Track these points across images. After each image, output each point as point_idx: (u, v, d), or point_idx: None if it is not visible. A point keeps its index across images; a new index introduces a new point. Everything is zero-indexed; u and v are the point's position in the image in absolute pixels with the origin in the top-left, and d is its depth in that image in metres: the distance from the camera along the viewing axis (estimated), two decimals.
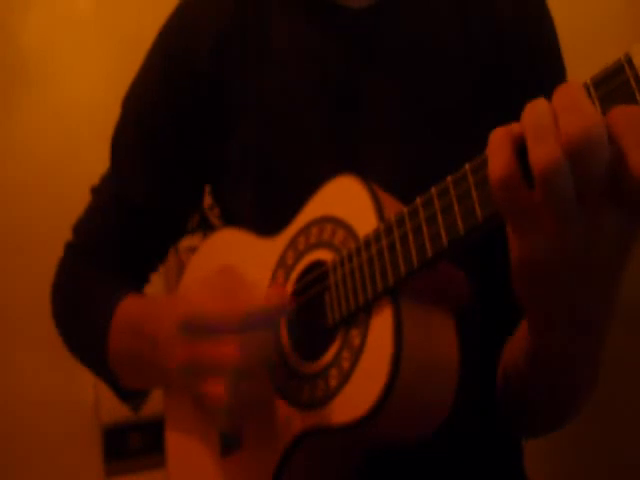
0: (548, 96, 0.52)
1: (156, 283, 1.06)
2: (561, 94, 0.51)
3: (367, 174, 0.73)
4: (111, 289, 0.91)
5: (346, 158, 0.83)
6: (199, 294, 0.73)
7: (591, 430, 1.33)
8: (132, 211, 0.95)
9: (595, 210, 0.51)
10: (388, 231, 0.66)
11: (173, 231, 1.01)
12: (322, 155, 0.85)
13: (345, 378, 0.67)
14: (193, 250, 0.93)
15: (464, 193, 0.59)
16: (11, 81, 2.13)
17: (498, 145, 0.53)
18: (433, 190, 0.62)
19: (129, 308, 0.87)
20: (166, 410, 0.90)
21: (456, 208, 0.60)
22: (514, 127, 0.53)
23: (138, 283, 1.00)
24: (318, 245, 0.75)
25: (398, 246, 0.65)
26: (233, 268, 0.77)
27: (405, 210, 0.65)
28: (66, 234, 1.00)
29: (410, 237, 0.64)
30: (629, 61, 0.50)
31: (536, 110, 0.51)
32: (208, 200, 1.02)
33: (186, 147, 0.92)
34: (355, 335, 0.67)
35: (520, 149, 0.52)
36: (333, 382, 0.68)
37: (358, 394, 0.65)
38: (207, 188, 0.98)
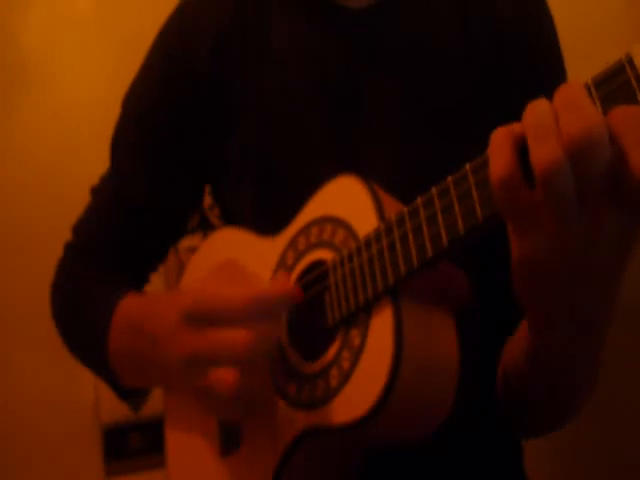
0: (548, 96, 0.52)
1: (156, 283, 1.06)
2: (562, 94, 0.51)
3: (367, 174, 0.73)
4: (111, 289, 0.91)
5: (346, 158, 0.83)
6: (203, 286, 0.73)
7: (591, 430, 1.33)
8: (132, 211, 0.95)
9: (595, 210, 0.51)
10: (388, 231, 0.66)
11: (173, 231, 1.00)
12: (322, 155, 0.85)
13: (345, 378, 0.67)
14: (193, 250, 0.93)
15: (464, 193, 0.59)
16: (11, 81, 2.13)
17: (499, 145, 0.53)
18: (433, 190, 0.62)
19: (129, 307, 0.87)
20: (166, 410, 0.90)
21: (456, 208, 0.60)
22: (515, 127, 0.53)
23: (138, 283, 1.00)
24: (318, 245, 0.75)
25: (398, 246, 0.65)
26: (236, 261, 0.77)
27: (405, 210, 0.65)
28: (66, 234, 1.00)
29: (410, 237, 0.64)
30: (630, 61, 0.50)
31: (537, 110, 0.51)
32: (208, 200, 1.02)
33: (186, 146, 0.92)
34: (355, 335, 0.67)
35: (521, 149, 0.52)
36: (333, 382, 0.68)
37: (358, 394, 0.65)
38: (207, 188, 0.98)
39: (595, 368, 0.69)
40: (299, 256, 0.76)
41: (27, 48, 2.16)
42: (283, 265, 0.78)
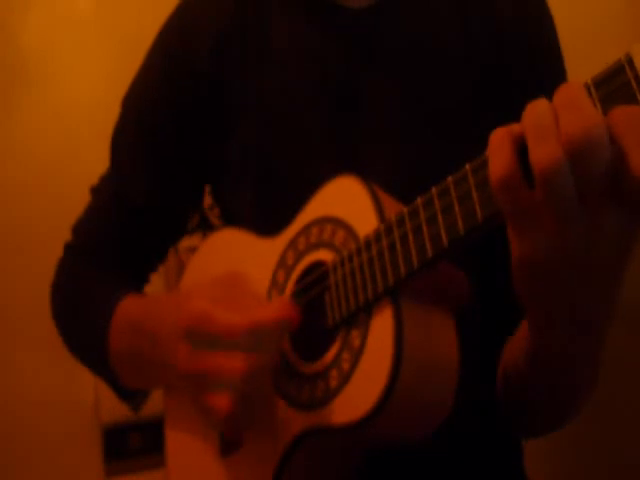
0: (548, 96, 0.52)
1: (156, 283, 1.06)
2: (562, 94, 0.51)
3: (367, 174, 0.73)
4: (111, 289, 0.91)
5: (346, 158, 0.83)
6: (204, 300, 0.72)
7: (591, 430, 1.33)
8: (132, 210, 0.95)
9: (595, 210, 0.51)
10: (388, 231, 0.66)
11: (173, 231, 1.00)
12: (322, 155, 0.85)
13: (345, 379, 0.67)
14: (193, 250, 0.93)
15: (464, 193, 0.59)
16: (11, 81, 2.13)
17: (498, 145, 0.53)
18: (433, 190, 0.62)
19: (129, 307, 0.87)
20: (166, 410, 0.90)
21: (456, 208, 0.60)
22: (514, 127, 0.53)
23: (138, 283, 1.00)
24: (318, 245, 0.75)
25: (398, 246, 0.65)
26: (237, 274, 0.77)
27: (405, 210, 0.65)
28: (66, 234, 1.00)
29: (410, 237, 0.64)
30: (630, 61, 0.50)
31: (537, 110, 0.51)
32: (208, 200, 1.02)
33: (186, 146, 0.92)
34: (355, 336, 0.67)
35: (520, 149, 0.52)
36: (333, 383, 0.68)
37: (358, 395, 0.65)
38: (207, 188, 0.98)
39: (595, 368, 0.69)
40: (299, 256, 0.76)
41: (27, 48, 2.16)
42: (283, 265, 0.78)
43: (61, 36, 2.17)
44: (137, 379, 0.89)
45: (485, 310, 0.82)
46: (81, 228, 0.99)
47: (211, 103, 0.90)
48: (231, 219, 0.93)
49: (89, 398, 2.01)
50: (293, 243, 0.78)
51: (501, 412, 0.83)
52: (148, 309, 0.84)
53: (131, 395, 0.93)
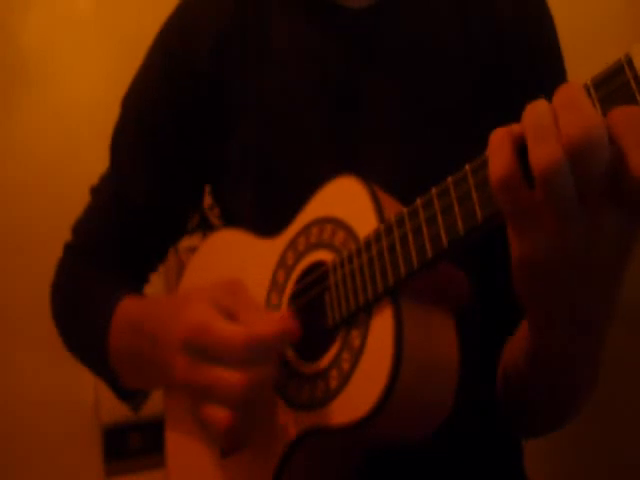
0: (548, 96, 0.52)
1: (156, 283, 1.06)
2: (561, 94, 0.51)
3: (367, 174, 0.73)
4: (111, 289, 0.91)
5: (346, 158, 0.83)
6: (203, 304, 0.72)
7: (591, 430, 1.33)
8: (132, 210, 0.95)
9: (595, 210, 0.51)
10: (388, 232, 0.66)
11: (173, 230, 1.00)
12: (322, 155, 0.85)
13: (345, 379, 0.67)
14: (193, 250, 0.93)
15: (464, 194, 0.59)
16: (11, 81, 2.14)
17: (498, 145, 0.53)
18: (433, 191, 0.62)
19: (129, 307, 0.87)
20: (166, 410, 0.90)
21: (456, 209, 0.60)
22: (514, 127, 0.53)
23: (138, 283, 1.00)
24: (318, 246, 0.75)
25: (398, 247, 0.65)
26: (237, 275, 0.77)
27: (405, 211, 0.65)
28: (66, 234, 1.00)
29: (410, 238, 0.64)
30: (629, 62, 0.50)
31: (536, 110, 0.51)
32: (208, 200, 1.02)
33: (186, 146, 0.92)
34: (355, 336, 0.67)
35: (520, 149, 0.52)
36: (333, 383, 0.68)
37: (358, 395, 0.65)
38: (207, 188, 0.98)
39: (595, 368, 0.69)
40: (299, 257, 0.76)
41: (27, 48, 2.16)
42: (283, 265, 0.78)
43: (61, 36, 2.17)
44: (137, 379, 0.89)
45: (485, 310, 0.82)
46: (81, 228, 0.99)
47: (211, 103, 0.90)
48: (231, 219, 0.93)
49: (89, 398, 2.01)
50: (293, 243, 0.78)
51: (501, 412, 0.83)
52: (148, 309, 0.84)
53: (131, 395, 0.93)
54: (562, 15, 0.92)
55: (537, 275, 0.57)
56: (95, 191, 0.99)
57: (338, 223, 0.73)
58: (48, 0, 2.19)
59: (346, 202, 0.73)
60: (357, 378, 0.66)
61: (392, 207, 0.70)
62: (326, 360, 0.70)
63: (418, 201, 0.64)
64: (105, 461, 2.07)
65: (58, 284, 1.00)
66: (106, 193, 0.97)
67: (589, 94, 0.51)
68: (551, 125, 0.50)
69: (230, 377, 0.67)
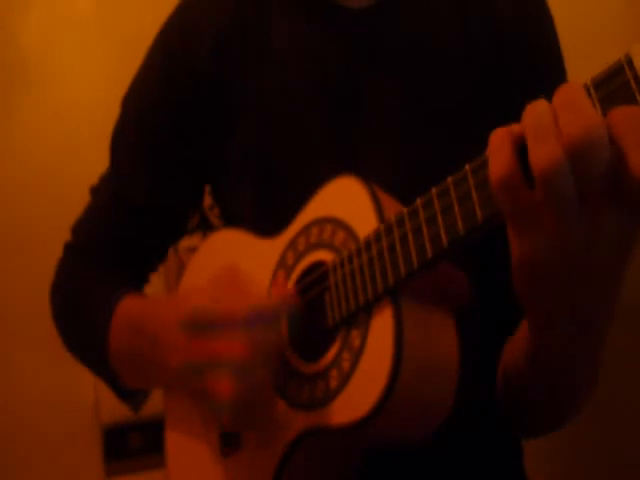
0: (548, 96, 0.52)
1: (156, 283, 1.06)
2: (561, 94, 0.51)
3: (367, 174, 0.73)
4: (111, 289, 0.91)
5: (346, 158, 0.83)
6: (202, 292, 0.73)
7: (591, 430, 1.33)
8: (132, 210, 0.95)
9: (595, 210, 0.51)
10: (388, 232, 0.66)
11: (173, 230, 1.00)
12: (322, 155, 0.85)
13: (345, 379, 0.67)
14: (193, 250, 0.93)
15: (464, 194, 0.59)
16: (11, 81, 2.13)
17: (498, 145, 0.53)
18: (433, 191, 0.62)
19: (129, 307, 0.87)
20: (166, 410, 0.90)
21: (456, 209, 0.60)
22: (514, 127, 0.53)
23: (138, 283, 1.00)
24: (318, 246, 0.75)
25: (398, 247, 0.65)
26: (237, 275, 0.77)
27: (405, 211, 0.65)
28: (66, 234, 1.00)
29: (410, 238, 0.64)
30: (629, 62, 0.50)
31: (536, 110, 0.51)
32: (208, 200, 1.02)
33: (186, 146, 0.92)
34: (355, 336, 0.67)
35: (520, 149, 0.52)
36: (333, 383, 0.68)
37: (358, 395, 0.65)
38: (207, 188, 0.98)
39: (595, 368, 0.69)
40: (299, 257, 0.76)
41: (27, 48, 2.16)
42: (283, 265, 0.78)
43: (61, 36, 2.17)
44: (137, 379, 0.89)
45: (485, 310, 0.82)
46: (81, 228, 0.99)
47: (211, 103, 0.90)
48: (231, 219, 0.93)
49: (89, 398, 2.01)
50: (293, 243, 0.78)
51: (501, 412, 0.83)
52: (148, 309, 0.84)
53: (131, 395, 0.93)
54: (562, 15, 0.92)
55: (537, 275, 0.57)
56: (95, 191, 0.99)
57: (338, 223, 0.73)
58: (48, 0, 2.19)
59: (346, 202, 0.73)
60: (357, 378, 0.66)
61: (392, 207, 0.70)
62: (326, 360, 0.70)
63: (418, 201, 0.64)
64: (105, 461, 2.07)
65: (58, 284, 1.00)
66: (106, 193, 0.97)
67: (589, 94, 0.51)
68: (551, 125, 0.50)
69: (232, 343, 0.68)
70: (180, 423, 0.87)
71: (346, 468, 0.75)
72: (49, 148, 2.12)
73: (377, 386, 0.63)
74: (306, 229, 0.77)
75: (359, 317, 0.68)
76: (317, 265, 0.74)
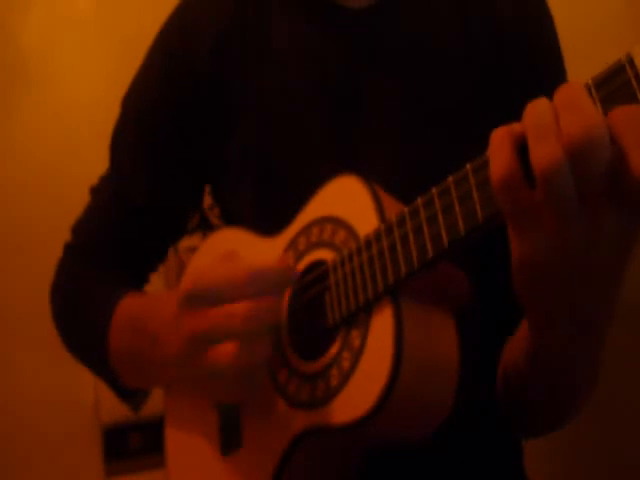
0: (548, 96, 0.52)
1: (156, 283, 1.06)
2: (562, 94, 0.51)
3: (367, 174, 0.73)
4: (111, 289, 0.91)
5: (346, 158, 0.83)
6: (201, 269, 0.72)
7: (591, 430, 1.33)
8: (132, 210, 0.95)
9: (596, 210, 0.51)
10: (389, 231, 0.66)
11: (173, 230, 1.00)
12: (322, 155, 0.85)
13: (345, 378, 0.67)
14: (193, 250, 0.93)
15: (465, 193, 0.59)
16: (11, 81, 2.13)
17: (499, 145, 0.53)
18: (434, 190, 0.62)
19: (129, 306, 0.87)
20: (166, 410, 0.90)
21: (457, 208, 0.60)
22: (515, 127, 0.53)
23: (138, 283, 1.00)
24: (319, 245, 0.75)
25: (399, 246, 0.65)
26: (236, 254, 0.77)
27: (406, 210, 0.65)
28: (66, 234, 1.00)
29: (411, 237, 0.64)
30: (630, 61, 0.50)
31: (537, 110, 0.51)
32: (208, 200, 1.02)
33: (186, 146, 0.92)
34: (355, 335, 0.67)
35: (521, 149, 0.52)
36: (333, 382, 0.68)
37: (358, 394, 0.65)
38: (207, 188, 0.98)
39: (595, 368, 0.69)
40: (299, 256, 0.76)
41: (27, 48, 2.16)
42: None
43: (61, 36, 2.17)
44: (137, 378, 0.89)
45: (485, 310, 0.82)
46: (81, 228, 0.99)
47: (211, 103, 0.90)
48: (231, 219, 0.93)
49: (89, 398, 2.01)
50: (293, 243, 0.78)
51: (501, 412, 0.83)
52: (148, 308, 0.84)
53: (131, 395, 0.93)
54: (562, 15, 0.92)
55: (537, 275, 0.57)
56: (95, 191, 0.99)
57: (339, 222, 0.73)
58: (48, 0, 2.19)
59: (347, 201, 0.73)
60: (357, 377, 0.66)
61: (393, 206, 0.70)
62: (326, 359, 0.70)
63: (419, 200, 0.64)
64: (105, 461, 2.07)
65: (58, 284, 1.00)
66: (106, 193, 0.97)
67: (590, 94, 0.51)
68: (552, 124, 0.50)
69: (234, 308, 0.67)
70: (180, 423, 0.87)
71: (346, 468, 0.75)
72: (49, 148, 2.12)
73: (377, 385, 0.63)
74: (307, 228, 0.77)
75: (359, 317, 0.68)
76: (317, 264, 0.74)
